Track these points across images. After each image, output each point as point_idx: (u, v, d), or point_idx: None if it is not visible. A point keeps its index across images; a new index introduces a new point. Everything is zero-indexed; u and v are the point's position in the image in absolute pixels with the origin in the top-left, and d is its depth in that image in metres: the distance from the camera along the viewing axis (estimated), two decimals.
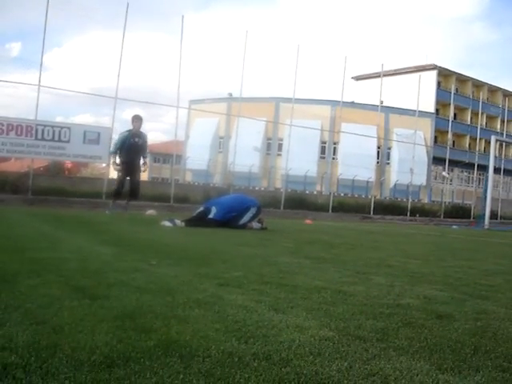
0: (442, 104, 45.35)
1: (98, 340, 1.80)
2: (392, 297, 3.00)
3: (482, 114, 41.97)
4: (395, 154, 38.17)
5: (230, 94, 35.99)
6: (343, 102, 25.55)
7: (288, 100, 23.71)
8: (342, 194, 31.42)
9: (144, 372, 1.54)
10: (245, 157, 27.10)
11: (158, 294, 2.67)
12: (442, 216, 27.41)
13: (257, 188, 31.26)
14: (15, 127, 15.45)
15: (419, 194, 37.01)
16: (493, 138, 21.45)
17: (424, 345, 2.01)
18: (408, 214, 25.42)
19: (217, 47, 54.60)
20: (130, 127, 11.60)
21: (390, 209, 26.01)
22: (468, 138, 47.60)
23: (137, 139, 11.46)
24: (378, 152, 38.34)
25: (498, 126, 50.04)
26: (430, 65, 46.66)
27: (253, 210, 8.93)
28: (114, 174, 16.43)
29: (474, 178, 36.43)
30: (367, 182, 33.54)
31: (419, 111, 27.85)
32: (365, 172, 32.74)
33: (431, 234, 12.08)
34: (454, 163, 37.05)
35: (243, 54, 21.04)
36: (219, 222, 8.46)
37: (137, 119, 11.71)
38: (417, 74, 32.29)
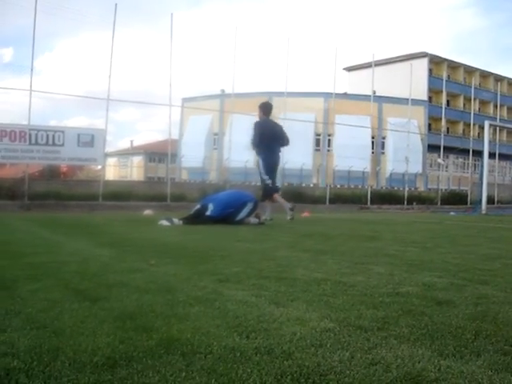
0: (434, 91, 45.39)
1: (100, 341, 1.80)
2: (391, 285, 3.00)
3: (475, 99, 41.97)
4: (390, 144, 38.22)
5: (223, 91, 36.03)
6: (336, 94, 25.59)
7: (280, 94, 23.72)
8: (339, 186, 31.40)
9: (146, 371, 1.54)
10: (240, 152, 27.02)
11: (157, 293, 2.67)
12: (439, 203, 27.48)
13: (253, 183, 31.21)
14: (9, 133, 15.43)
15: (415, 182, 37.10)
16: (486, 123, 21.44)
17: (425, 332, 2.02)
18: (405, 202, 25.48)
19: (208, 44, 54.61)
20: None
21: (386, 198, 26.05)
22: (462, 124, 47.68)
23: None
24: (373, 142, 38.33)
25: (491, 111, 50.15)
26: (421, 52, 46.64)
27: (250, 206, 8.92)
28: (109, 175, 16.43)
29: (470, 164, 36.43)
30: (363, 172, 33.53)
31: (412, 99, 27.88)
32: (360, 162, 32.70)
33: (429, 221, 12.10)
34: (448, 150, 37.03)
35: (234, 50, 21.09)
36: (217, 219, 8.46)
37: None
38: (408, 63, 32.34)
